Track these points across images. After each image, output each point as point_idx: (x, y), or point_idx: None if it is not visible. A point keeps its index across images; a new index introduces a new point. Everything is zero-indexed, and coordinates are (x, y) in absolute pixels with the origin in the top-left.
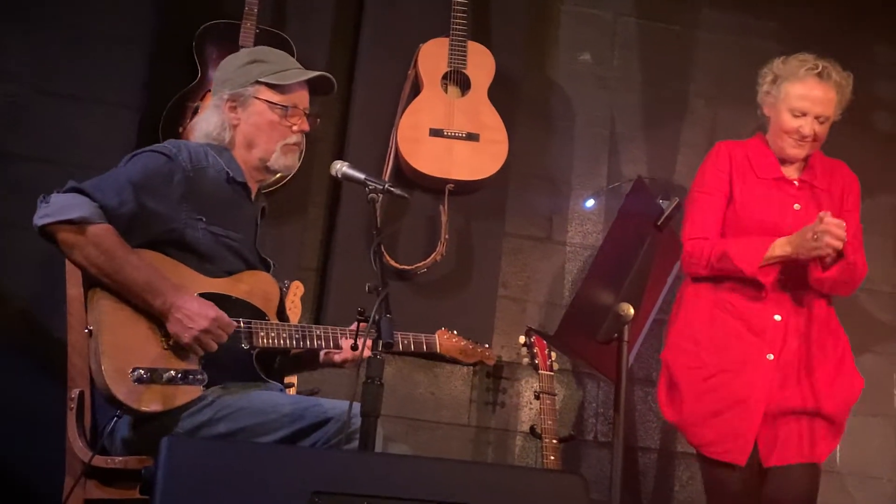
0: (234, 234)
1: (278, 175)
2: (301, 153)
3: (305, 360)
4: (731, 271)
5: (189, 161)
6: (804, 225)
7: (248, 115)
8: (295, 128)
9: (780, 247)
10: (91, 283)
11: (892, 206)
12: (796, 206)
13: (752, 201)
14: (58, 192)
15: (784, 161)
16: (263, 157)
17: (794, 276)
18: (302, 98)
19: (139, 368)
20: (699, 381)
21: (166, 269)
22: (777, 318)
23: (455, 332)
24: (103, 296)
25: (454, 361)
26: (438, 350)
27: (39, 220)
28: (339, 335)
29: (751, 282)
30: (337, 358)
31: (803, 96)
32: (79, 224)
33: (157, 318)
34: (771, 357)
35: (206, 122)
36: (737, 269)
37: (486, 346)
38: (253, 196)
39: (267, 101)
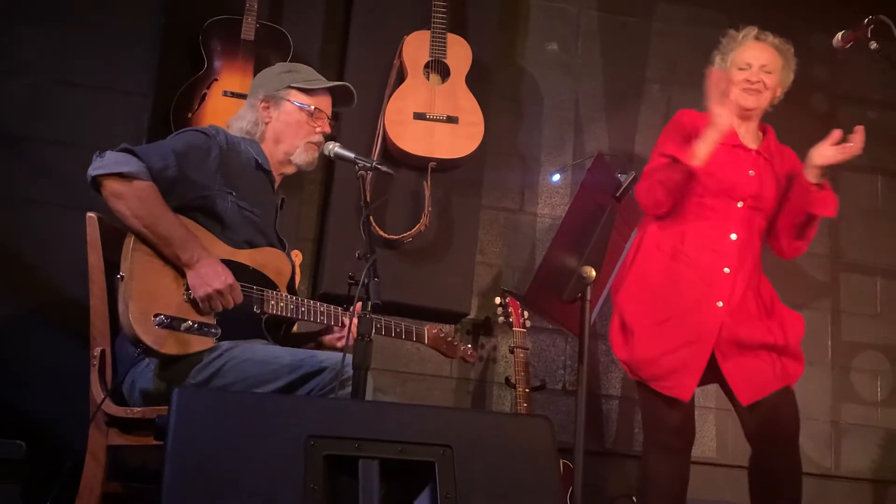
0: (257, 211)
1: None
2: None
3: (306, 340)
4: (674, 177)
5: (225, 141)
6: (758, 190)
7: (279, 114)
8: (318, 129)
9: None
10: (127, 235)
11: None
12: (751, 172)
13: (712, 164)
14: (111, 151)
15: (745, 120)
16: (288, 151)
17: (745, 236)
18: (326, 104)
19: (161, 314)
20: (652, 324)
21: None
22: (726, 270)
23: (442, 329)
24: (137, 247)
25: (436, 314)
26: (425, 342)
27: (94, 170)
28: (340, 313)
29: (705, 236)
30: (339, 344)
31: (746, 52)
32: (128, 178)
33: (182, 273)
34: (720, 304)
35: (242, 120)
36: (679, 165)
37: (469, 346)
38: (276, 186)
39: (297, 103)
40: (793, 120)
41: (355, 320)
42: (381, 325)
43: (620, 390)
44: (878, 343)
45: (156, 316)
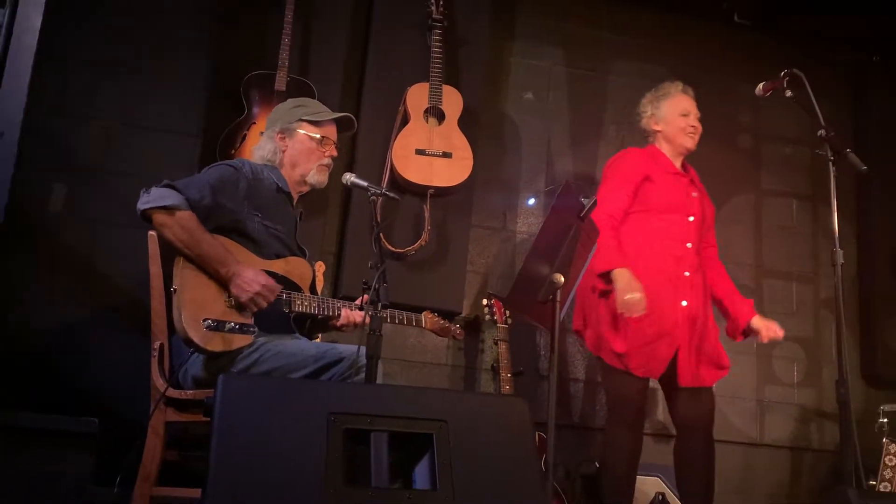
0: (280, 228)
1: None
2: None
3: (324, 325)
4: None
5: (251, 172)
6: (700, 207)
7: (293, 143)
8: (327, 153)
9: (618, 277)
10: (176, 255)
11: (751, 202)
12: (694, 194)
13: (664, 188)
14: (156, 187)
15: (680, 156)
16: (303, 174)
17: (697, 245)
18: (332, 132)
19: (208, 319)
20: (634, 322)
21: (232, 250)
22: (686, 273)
23: (437, 314)
24: (185, 265)
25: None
26: (423, 326)
27: (142, 205)
28: (349, 307)
29: (668, 246)
30: (336, 323)
31: (683, 103)
32: (170, 209)
33: (223, 283)
34: (685, 304)
35: (262, 149)
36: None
37: (457, 326)
38: (294, 203)
39: (307, 133)
40: (722, 155)
41: (362, 308)
42: (387, 315)
43: (584, 375)
44: (795, 336)
45: (204, 321)
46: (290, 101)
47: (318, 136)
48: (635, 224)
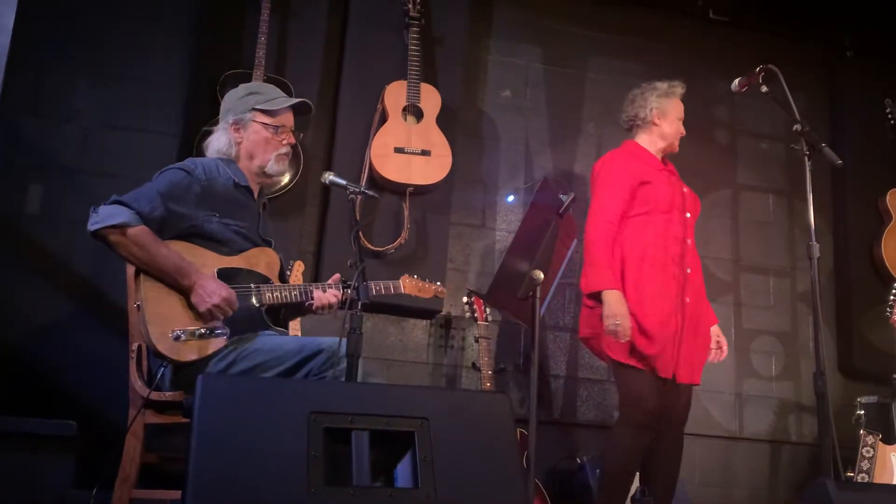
0: (241, 224)
1: (282, 182)
2: (300, 165)
3: (300, 310)
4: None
5: (204, 174)
6: (690, 202)
7: (248, 135)
8: (284, 141)
9: (607, 299)
10: (136, 271)
11: (729, 196)
12: (684, 190)
13: (660, 187)
14: (104, 205)
15: (662, 152)
16: (262, 165)
17: (693, 240)
18: (288, 119)
19: (177, 330)
20: (657, 324)
21: (193, 254)
22: (688, 270)
23: (415, 276)
24: (146, 279)
25: (415, 312)
26: (403, 290)
27: (92, 226)
28: (322, 288)
29: (672, 244)
30: (311, 307)
31: (680, 108)
32: (121, 227)
33: (185, 293)
34: (688, 300)
35: (217, 142)
36: (585, 271)
37: (438, 283)
38: (255, 196)
39: (262, 122)
40: (701, 149)
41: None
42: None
43: (565, 371)
44: (772, 330)
45: (172, 332)
46: (241, 87)
47: (273, 124)
48: (639, 226)
